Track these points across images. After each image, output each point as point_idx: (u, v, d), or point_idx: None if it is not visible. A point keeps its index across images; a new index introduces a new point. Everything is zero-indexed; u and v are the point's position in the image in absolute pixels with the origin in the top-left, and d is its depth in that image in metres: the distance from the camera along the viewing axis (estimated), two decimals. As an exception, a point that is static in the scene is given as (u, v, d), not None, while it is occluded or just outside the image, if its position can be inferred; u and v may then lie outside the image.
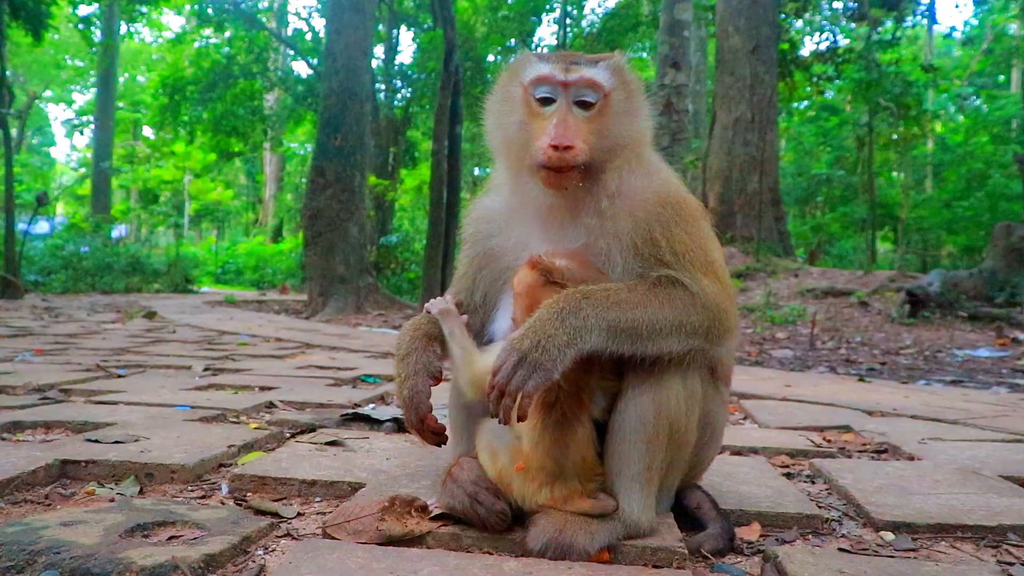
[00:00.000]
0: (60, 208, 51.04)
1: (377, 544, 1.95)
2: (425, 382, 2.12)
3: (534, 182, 2.09)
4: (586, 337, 1.88)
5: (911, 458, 3.32)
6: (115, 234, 32.99)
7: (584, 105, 2.09)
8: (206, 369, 5.78)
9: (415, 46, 32.46)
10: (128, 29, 40.00)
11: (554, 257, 2.06)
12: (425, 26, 29.60)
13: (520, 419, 1.88)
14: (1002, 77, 39.73)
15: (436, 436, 2.16)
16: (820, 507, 2.49)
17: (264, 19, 31.61)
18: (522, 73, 2.15)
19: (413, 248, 27.01)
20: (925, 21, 29.58)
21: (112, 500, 2.34)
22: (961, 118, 34.86)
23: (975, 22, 42.98)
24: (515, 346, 1.87)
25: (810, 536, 2.26)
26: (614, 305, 1.92)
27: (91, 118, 42.89)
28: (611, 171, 2.13)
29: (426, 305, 2.27)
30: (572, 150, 2.00)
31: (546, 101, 2.09)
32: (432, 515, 2.07)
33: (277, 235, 45.62)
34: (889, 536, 2.24)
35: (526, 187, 2.16)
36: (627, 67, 2.21)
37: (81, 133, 54.32)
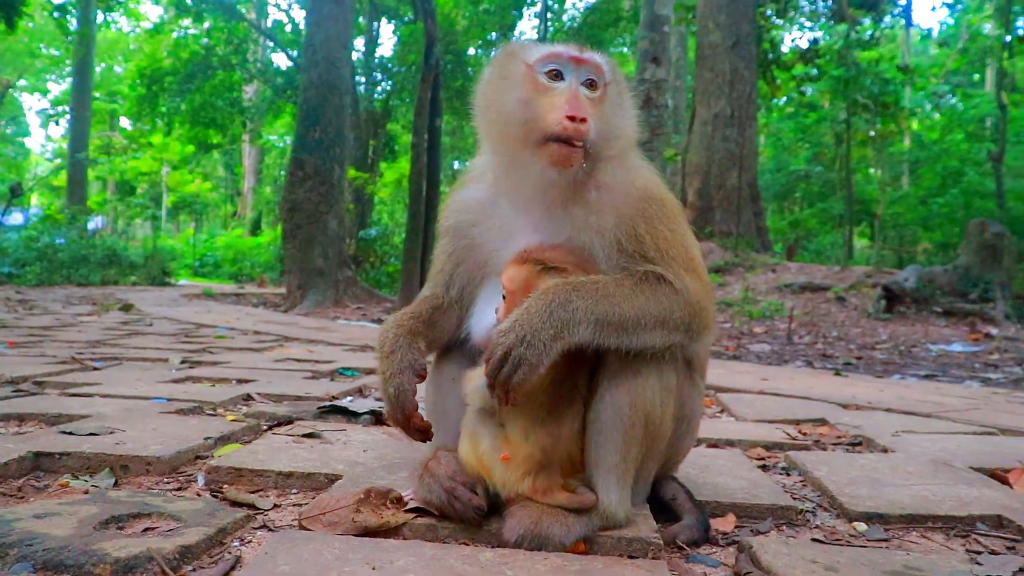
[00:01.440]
0: (35, 199, 50.54)
1: (353, 535, 1.95)
2: (411, 380, 2.12)
3: (537, 160, 2.05)
4: (574, 330, 1.88)
5: (885, 450, 3.36)
6: (91, 226, 32.61)
7: (590, 86, 2.09)
8: (183, 362, 5.75)
9: (395, 39, 32.39)
10: (105, 18, 39.53)
11: (542, 249, 2.07)
12: (406, 19, 29.51)
13: (512, 405, 1.88)
14: (977, 76, 40.09)
15: (422, 434, 2.16)
16: (795, 498, 2.52)
17: (243, 10, 31.31)
18: (525, 53, 2.14)
19: (392, 242, 26.96)
20: (902, 21, 29.84)
21: (86, 492, 2.32)
22: (937, 116, 35.16)
23: (951, 21, 43.35)
24: (500, 340, 1.86)
25: (784, 527, 2.28)
26: (603, 298, 1.92)
27: (67, 108, 42.36)
28: (603, 163, 2.14)
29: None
30: (585, 123, 1.99)
31: (555, 77, 2.08)
32: (408, 507, 2.07)
33: (256, 228, 45.41)
34: (862, 527, 2.27)
35: (521, 169, 2.12)
36: (618, 66, 2.25)
37: (56, 123, 53.57)
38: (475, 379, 2.00)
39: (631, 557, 1.91)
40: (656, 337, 1.98)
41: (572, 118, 1.97)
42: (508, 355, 1.84)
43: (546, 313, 1.87)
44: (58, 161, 53.66)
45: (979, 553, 2.05)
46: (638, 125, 2.28)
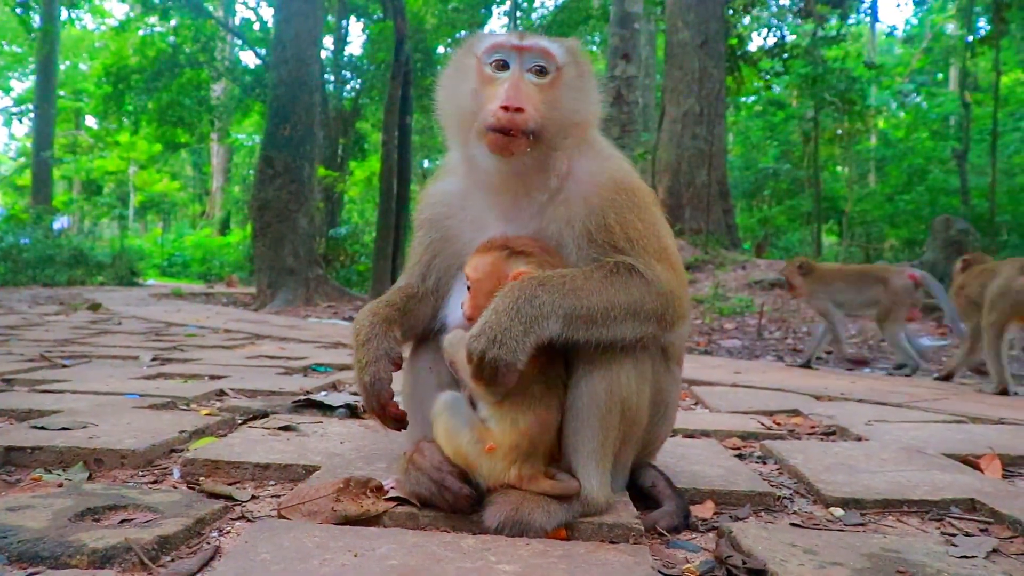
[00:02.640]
0: (-2, 199, 49.75)
1: (333, 524, 1.93)
2: (387, 368, 2.11)
3: (481, 149, 2.07)
4: (543, 324, 1.89)
5: (858, 439, 3.40)
6: (57, 226, 32.07)
7: (538, 72, 2.10)
8: (154, 359, 5.68)
9: (365, 37, 32.25)
10: (69, 15, 38.94)
11: (506, 237, 2.07)
12: (375, 17, 29.38)
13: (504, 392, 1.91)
14: (940, 75, 40.61)
15: (397, 422, 2.14)
16: (772, 485, 2.54)
17: (211, 7, 30.99)
18: (476, 46, 2.16)
19: (363, 240, 26.79)
20: (868, 19, 30.21)
21: (60, 485, 2.29)
22: (902, 114, 35.59)
23: (916, 21, 43.90)
24: (474, 346, 1.86)
25: (762, 513, 2.30)
26: (570, 292, 1.92)
27: (31, 106, 41.66)
28: (562, 150, 2.13)
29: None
30: (522, 112, 2.00)
31: (500, 67, 2.10)
32: (388, 495, 2.06)
33: (224, 227, 44.98)
34: (839, 512, 2.29)
35: (476, 159, 2.13)
36: (580, 49, 2.23)
37: (20, 122, 52.81)
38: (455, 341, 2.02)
39: (612, 543, 1.91)
40: (627, 329, 1.98)
41: (507, 108, 1.98)
42: (484, 358, 1.84)
43: (513, 310, 1.87)
44: (22, 160, 52.75)
45: (954, 535, 2.09)
46: (601, 111, 2.28)
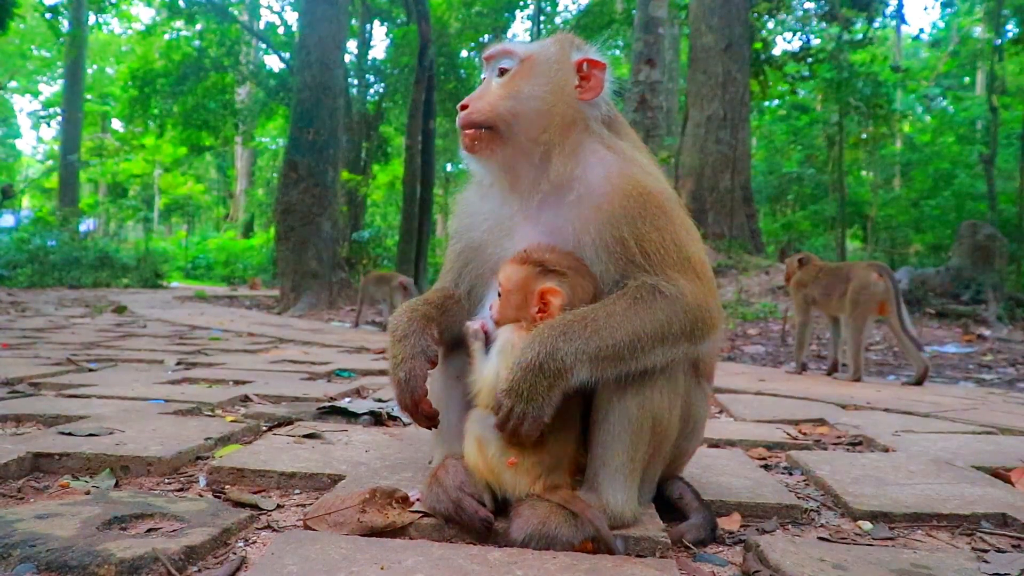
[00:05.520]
0: (26, 201, 50.35)
1: (359, 535, 1.93)
2: (423, 365, 2.09)
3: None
4: (568, 376, 1.89)
5: (886, 450, 3.36)
6: (83, 228, 32.49)
7: (502, 73, 2.19)
8: (179, 363, 5.72)
9: (388, 41, 32.34)
10: (96, 20, 39.25)
11: (542, 251, 2.06)
12: (399, 21, 29.47)
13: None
14: (967, 79, 40.20)
15: (429, 420, 2.12)
16: (799, 497, 2.52)
17: (236, 12, 31.22)
18: None
19: (386, 244, 26.86)
20: (894, 22, 29.96)
21: (88, 493, 2.30)
22: (928, 118, 35.29)
23: (942, 24, 43.50)
24: (503, 401, 1.90)
25: (790, 526, 2.28)
26: (593, 334, 1.91)
27: (58, 110, 42.15)
28: (549, 145, 2.12)
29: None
30: (466, 108, 2.13)
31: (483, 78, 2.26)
32: (414, 507, 2.06)
33: (248, 230, 45.30)
34: (867, 525, 2.26)
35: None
36: (571, 44, 2.25)
37: (48, 125, 53.30)
38: (482, 381, 2.02)
39: (639, 556, 1.90)
40: (658, 355, 1.97)
41: (462, 107, 2.14)
42: (512, 411, 1.88)
43: (536, 367, 1.88)
44: (50, 163, 53.35)
45: (985, 551, 2.05)
46: (603, 104, 2.23)
